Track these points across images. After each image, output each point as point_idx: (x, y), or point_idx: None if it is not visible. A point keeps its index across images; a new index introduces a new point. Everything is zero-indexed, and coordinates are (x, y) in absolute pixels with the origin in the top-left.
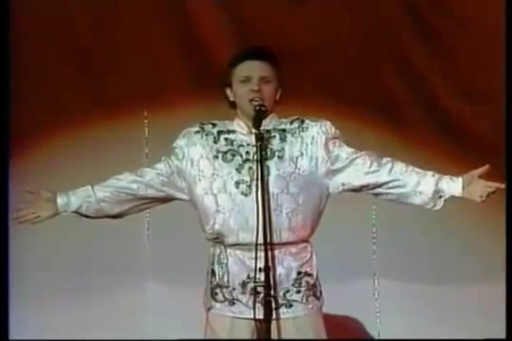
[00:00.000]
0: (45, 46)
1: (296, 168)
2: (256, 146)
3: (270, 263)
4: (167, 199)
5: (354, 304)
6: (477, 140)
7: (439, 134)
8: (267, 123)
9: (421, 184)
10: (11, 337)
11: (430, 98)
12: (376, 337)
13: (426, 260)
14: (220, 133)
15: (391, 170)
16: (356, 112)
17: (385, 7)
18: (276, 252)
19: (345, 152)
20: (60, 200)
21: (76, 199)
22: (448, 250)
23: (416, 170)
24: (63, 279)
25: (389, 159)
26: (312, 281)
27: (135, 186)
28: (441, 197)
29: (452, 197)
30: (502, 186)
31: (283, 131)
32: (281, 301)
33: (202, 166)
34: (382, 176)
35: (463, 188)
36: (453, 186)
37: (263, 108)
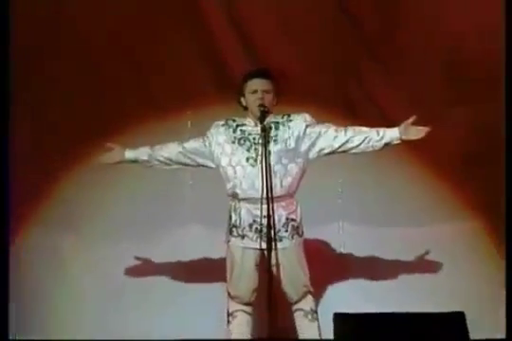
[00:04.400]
0: (113, 61)
1: (285, 146)
2: (261, 134)
3: (270, 212)
4: (199, 165)
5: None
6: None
7: None
8: (267, 120)
9: (369, 135)
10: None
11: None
12: (341, 248)
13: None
14: (237, 126)
15: (347, 132)
16: (325, 109)
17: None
18: (272, 205)
19: (318, 129)
20: (127, 152)
21: (136, 154)
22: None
23: (364, 128)
24: (125, 222)
25: (347, 127)
26: (296, 224)
27: (179, 155)
28: (382, 139)
29: (392, 140)
30: (427, 129)
31: (277, 123)
32: (278, 232)
33: (225, 147)
34: (343, 137)
35: (400, 133)
36: (392, 132)
37: (266, 110)
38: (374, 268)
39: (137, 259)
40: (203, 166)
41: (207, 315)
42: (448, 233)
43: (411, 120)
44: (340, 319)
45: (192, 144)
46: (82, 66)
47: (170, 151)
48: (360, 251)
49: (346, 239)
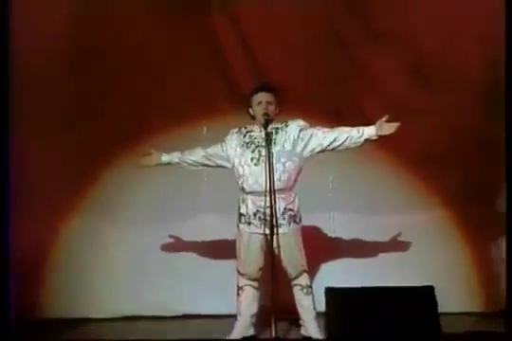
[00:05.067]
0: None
1: (283, 148)
2: (264, 138)
3: (272, 203)
4: (218, 166)
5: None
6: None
7: None
8: (270, 127)
9: (351, 133)
10: None
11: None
12: (332, 234)
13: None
14: (247, 132)
15: (333, 133)
16: (314, 115)
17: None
18: (273, 197)
19: (310, 132)
20: (163, 156)
21: (170, 158)
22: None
23: (347, 128)
24: (153, 211)
25: (333, 129)
26: (293, 213)
27: (203, 158)
28: (362, 136)
29: (370, 136)
30: (398, 124)
31: (277, 128)
32: (279, 220)
33: (237, 150)
34: (330, 137)
35: (376, 130)
36: (369, 130)
37: (269, 118)
38: (359, 250)
39: (171, 237)
40: (221, 166)
41: (222, 288)
42: (422, 220)
43: (384, 119)
44: (331, 292)
45: (213, 149)
46: (115, 82)
47: (196, 155)
48: (348, 236)
49: (336, 226)
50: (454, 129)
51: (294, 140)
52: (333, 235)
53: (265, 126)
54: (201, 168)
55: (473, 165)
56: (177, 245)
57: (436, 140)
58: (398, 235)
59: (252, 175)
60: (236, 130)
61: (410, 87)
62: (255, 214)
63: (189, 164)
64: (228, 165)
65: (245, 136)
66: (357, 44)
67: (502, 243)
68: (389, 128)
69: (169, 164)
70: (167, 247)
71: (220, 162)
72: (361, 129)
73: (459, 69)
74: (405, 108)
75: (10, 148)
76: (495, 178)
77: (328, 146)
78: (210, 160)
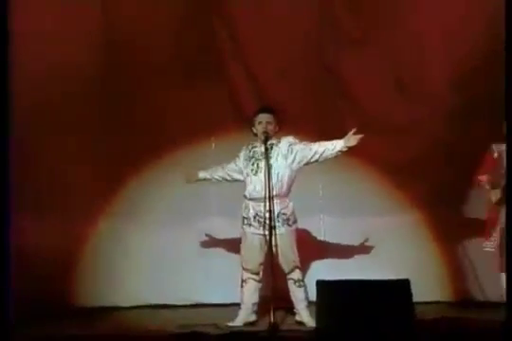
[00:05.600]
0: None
1: (277, 160)
2: (264, 153)
3: (271, 208)
4: (234, 180)
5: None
6: None
7: None
8: (269, 143)
9: (327, 146)
10: None
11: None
12: (321, 236)
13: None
14: (252, 147)
15: (314, 147)
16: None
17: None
18: (270, 203)
19: (297, 147)
20: (200, 174)
21: (204, 175)
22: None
23: (324, 142)
24: (167, 212)
25: (314, 143)
26: (286, 217)
27: (225, 174)
28: (335, 148)
29: (341, 148)
30: (361, 136)
31: (272, 144)
32: (276, 222)
33: (243, 163)
34: (312, 151)
35: (344, 142)
36: (340, 142)
37: (267, 136)
38: (345, 249)
39: (206, 235)
40: (237, 180)
41: (229, 280)
42: (398, 222)
43: (351, 132)
44: (321, 285)
45: (230, 165)
46: (140, 102)
47: (220, 171)
48: (336, 236)
49: (326, 228)
50: (427, 141)
51: (285, 154)
52: (322, 237)
53: (265, 142)
54: (225, 182)
55: (443, 175)
56: (192, 243)
57: (411, 152)
58: (379, 236)
59: (252, 184)
60: (245, 147)
61: (390, 103)
62: (255, 217)
63: (217, 179)
64: (242, 177)
65: (250, 151)
66: (342, 61)
67: (469, 243)
68: (354, 140)
69: (205, 179)
70: (183, 245)
71: (235, 176)
72: (335, 142)
73: (434, 86)
74: (385, 123)
75: (45, 154)
76: (462, 185)
77: (311, 158)
78: (228, 175)
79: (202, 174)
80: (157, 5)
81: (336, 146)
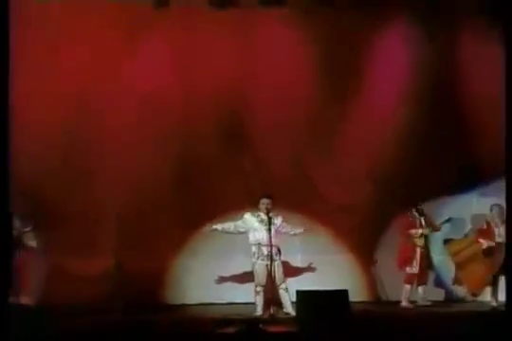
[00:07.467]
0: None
1: (274, 225)
2: (267, 220)
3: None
4: (238, 232)
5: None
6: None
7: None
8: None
9: (292, 229)
10: None
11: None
12: (298, 264)
13: None
14: (258, 216)
15: (284, 228)
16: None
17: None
18: (271, 246)
19: (283, 224)
20: (213, 226)
21: (215, 227)
22: None
23: (290, 228)
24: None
25: (287, 225)
26: (279, 254)
27: (235, 228)
28: (292, 231)
29: (295, 233)
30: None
31: (270, 218)
32: (273, 257)
33: (254, 224)
34: (283, 229)
35: (298, 230)
36: (296, 229)
37: (268, 212)
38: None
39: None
40: (241, 233)
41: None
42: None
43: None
44: (299, 293)
45: (238, 223)
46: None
47: (235, 226)
48: (304, 265)
49: (303, 262)
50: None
51: (277, 229)
52: (299, 265)
53: (267, 215)
54: (237, 233)
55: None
56: (227, 271)
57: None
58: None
59: (257, 232)
60: (250, 213)
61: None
62: (262, 254)
63: (226, 231)
64: (244, 230)
65: (257, 217)
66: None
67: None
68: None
69: (216, 230)
70: (221, 277)
71: (241, 230)
72: (299, 227)
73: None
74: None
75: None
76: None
77: (284, 232)
78: (235, 229)
79: (214, 226)
80: None
81: (295, 230)
